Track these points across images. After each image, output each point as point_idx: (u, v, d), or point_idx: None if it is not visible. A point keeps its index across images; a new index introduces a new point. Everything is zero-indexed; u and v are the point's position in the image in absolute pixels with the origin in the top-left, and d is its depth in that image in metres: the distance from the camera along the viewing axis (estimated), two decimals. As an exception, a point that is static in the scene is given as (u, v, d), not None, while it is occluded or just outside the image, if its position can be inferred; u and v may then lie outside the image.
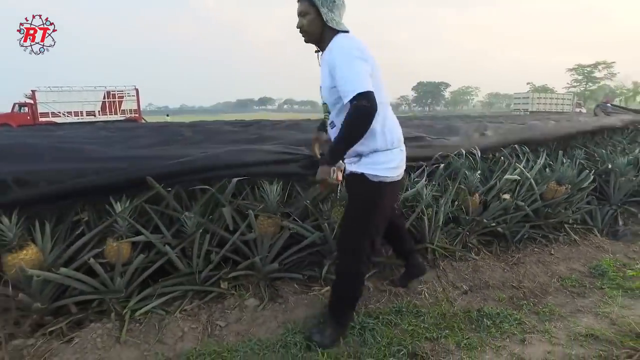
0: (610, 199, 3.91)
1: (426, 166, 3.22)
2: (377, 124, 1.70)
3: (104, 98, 27.20)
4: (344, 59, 1.62)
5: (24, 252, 1.79)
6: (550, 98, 45.07)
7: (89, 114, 26.54)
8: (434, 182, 2.99)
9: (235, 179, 2.19)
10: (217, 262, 2.18)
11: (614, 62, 66.59)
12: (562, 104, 43.73)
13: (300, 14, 1.74)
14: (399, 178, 1.86)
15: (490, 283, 2.59)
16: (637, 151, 4.59)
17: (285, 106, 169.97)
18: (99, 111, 27.12)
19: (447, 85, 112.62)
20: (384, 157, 1.77)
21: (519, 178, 3.13)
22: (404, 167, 1.88)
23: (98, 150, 2.34)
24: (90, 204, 2.11)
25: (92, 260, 1.86)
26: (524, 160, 3.55)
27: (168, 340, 1.85)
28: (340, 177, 1.73)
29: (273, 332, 1.97)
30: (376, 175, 1.76)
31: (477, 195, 3.01)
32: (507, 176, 3.08)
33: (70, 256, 1.98)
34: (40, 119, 24.17)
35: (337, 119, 1.76)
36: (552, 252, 3.07)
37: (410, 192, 2.79)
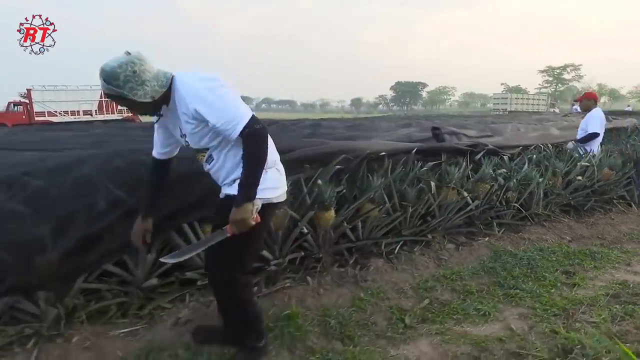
0: (636, 182, 5.16)
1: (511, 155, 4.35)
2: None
3: (101, 97, 27.09)
4: (206, 97, 1.50)
5: (330, 211, 2.76)
6: (526, 98, 47.59)
7: (85, 113, 26.31)
8: (532, 166, 4.12)
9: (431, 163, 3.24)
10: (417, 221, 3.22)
11: (580, 65, 71.08)
12: (537, 104, 46.26)
13: (125, 107, 1.59)
14: (279, 200, 1.73)
15: (583, 235, 3.75)
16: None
17: (263, 105, 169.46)
18: (95, 110, 26.98)
19: (424, 85, 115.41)
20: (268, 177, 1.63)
21: (589, 164, 4.31)
22: (285, 189, 1.77)
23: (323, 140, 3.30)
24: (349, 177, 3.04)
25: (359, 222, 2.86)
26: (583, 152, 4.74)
27: (420, 268, 2.89)
28: (257, 216, 1.58)
29: (475, 262, 3.05)
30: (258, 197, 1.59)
31: (560, 177, 4.17)
32: (582, 162, 4.26)
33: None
34: (36, 118, 23.92)
35: (217, 152, 1.64)
36: (612, 218, 4.26)
37: (521, 174, 3.90)
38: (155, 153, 1.86)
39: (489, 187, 3.61)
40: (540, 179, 3.96)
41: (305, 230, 2.56)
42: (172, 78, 1.55)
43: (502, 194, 3.67)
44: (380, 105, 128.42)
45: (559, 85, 71.51)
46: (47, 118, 24.22)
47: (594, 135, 4.77)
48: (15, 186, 2.13)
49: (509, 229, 3.69)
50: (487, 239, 3.42)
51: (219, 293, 1.77)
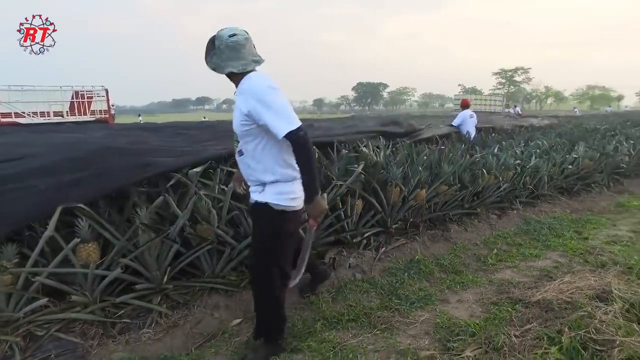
0: (605, 170, 6.60)
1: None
2: (285, 154, 1.84)
3: (72, 98, 26.37)
4: (266, 97, 1.73)
5: (424, 190, 3.79)
6: (484, 99, 50.79)
7: (56, 114, 25.46)
8: (538, 158, 5.36)
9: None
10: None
11: (530, 68, 76.70)
12: (494, 105, 49.55)
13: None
14: (300, 207, 1.93)
15: (578, 209, 5.04)
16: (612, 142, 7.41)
17: (224, 106, 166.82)
18: (67, 112, 26.16)
19: (385, 85, 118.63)
20: (287, 188, 1.86)
21: (577, 156, 5.64)
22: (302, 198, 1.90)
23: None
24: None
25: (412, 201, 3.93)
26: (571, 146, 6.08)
27: (481, 230, 4.01)
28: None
29: (514, 226, 4.23)
30: (279, 205, 1.84)
31: (558, 166, 5.45)
32: (572, 155, 5.58)
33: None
34: (2, 120, 23.03)
35: (245, 147, 1.88)
36: (594, 197, 5.60)
37: (532, 164, 5.12)
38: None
39: (512, 174, 4.79)
40: (545, 169, 5.22)
41: (414, 203, 3.59)
42: (246, 79, 1.84)
43: (521, 179, 4.87)
44: (342, 106, 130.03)
45: (511, 87, 76.84)
46: (14, 119, 23.33)
47: (452, 126, 6.99)
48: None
49: (526, 205, 4.90)
50: (515, 211, 4.61)
51: (255, 283, 2.07)
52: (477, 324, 2.27)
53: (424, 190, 3.71)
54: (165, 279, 2.47)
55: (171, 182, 2.75)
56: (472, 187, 4.21)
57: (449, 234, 3.80)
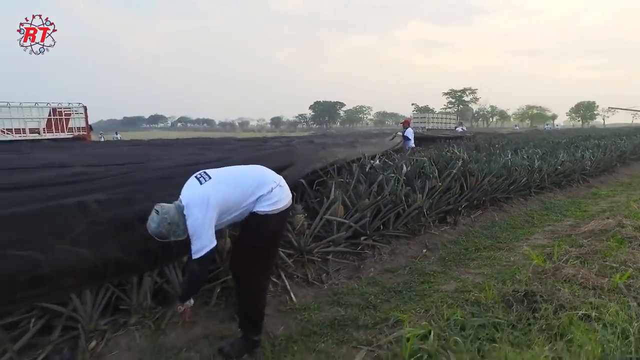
0: (576, 172, 8.93)
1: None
2: (245, 194, 2.20)
3: (50, 115, 26.15)
4: (191, 227, 2.05)
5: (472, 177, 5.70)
6: (439, 117, 55.19)
7: (32, 131, 25.16)
8: (540, 161, 7.49)
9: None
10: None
11: (476, 89, 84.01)
12: (448, 123, 53.99)
13: None
14: (285, 209, 2.32)
15: (570, 195, 7.19)
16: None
17: (179, 124, 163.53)
18: (43, 129, 25.87)
19: (342, 104, 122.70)
20: (266, 198, 2.24)
21: (563, 160, 7.88)
22: (287, 199, 2.33)
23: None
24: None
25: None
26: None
27: (513, 209, 5.95)
28: (188, 309, 2.23)
29: (537, 206, 6.23)
30: (263, 211, 2.22)
31: (552, 166, 7.64)
32: (561, 159, 7.81)
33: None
34: (-25, 138, 22.57)
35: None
36: (575, 189, 7.81)
37: (537, 165, 7.22)
38: None
39: (527, 171, 6.84)
40: (545, 168, 7.36)
41: (485, 187, 5.46)
42: (183, 208, 2.10)
43: (532, 175, 6.93)
44: (300, 124, 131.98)
45: (461, 106, 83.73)
46: (-12, 136, 22.92)
47: (406, 138, 9.87)
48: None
49: (536, 194, 6.96)
50: (532, 197, 6.65)
51: (238, 285, 2.40)
52: (556, 243, 4.15)
53: (487, 179, 5.62)
54: (381, 227, 4.12)
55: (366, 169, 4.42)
56: (508, 179, 6.19)
57: (503, 208, 5.73)
